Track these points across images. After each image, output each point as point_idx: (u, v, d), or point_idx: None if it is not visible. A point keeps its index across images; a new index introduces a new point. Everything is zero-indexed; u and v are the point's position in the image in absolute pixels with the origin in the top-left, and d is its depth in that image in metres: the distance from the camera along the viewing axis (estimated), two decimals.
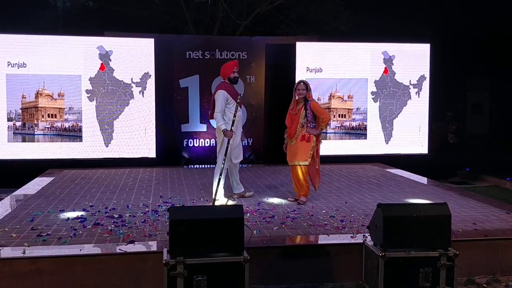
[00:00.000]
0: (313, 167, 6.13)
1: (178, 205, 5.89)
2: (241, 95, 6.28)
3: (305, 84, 6.05)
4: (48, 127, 8.92)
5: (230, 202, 6.15)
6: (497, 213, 5.68)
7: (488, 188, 8.95)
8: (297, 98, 6.06)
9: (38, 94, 8.83)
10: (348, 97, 9.86)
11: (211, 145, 9.56)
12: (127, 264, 4.13)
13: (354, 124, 9.93)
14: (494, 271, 4.56)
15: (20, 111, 8.81)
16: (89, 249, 4.31)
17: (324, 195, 6.64)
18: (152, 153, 9.28)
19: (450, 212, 3.88)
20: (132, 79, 9.16)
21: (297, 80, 6.65)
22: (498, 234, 4.80)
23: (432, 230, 3.81)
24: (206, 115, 9.52)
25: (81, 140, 9.03)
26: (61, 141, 8.98)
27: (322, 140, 6.31)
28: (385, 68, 9.94)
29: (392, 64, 9.96)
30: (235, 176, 6.44)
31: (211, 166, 9.15)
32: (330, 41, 9.98)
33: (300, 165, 6.04)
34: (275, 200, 6.29)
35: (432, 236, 3.80)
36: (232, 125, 5.99)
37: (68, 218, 5.31)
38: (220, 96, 6.07)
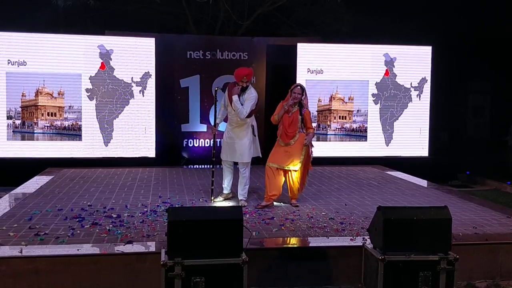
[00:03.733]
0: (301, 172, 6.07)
1: (177, 206, 5.87)
2: (218, 87, 6.34)
3: (302, 88, 5.95)
4: (47, 126, 8.89)
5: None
6: (497, 217, 5.66)
7: (489, 192, 8.92)
8: (292, 101, 5.89)
9: (38, 93, 8.80)
10: (349, 99, 9.84)
11: (211, 145, 9.52)
12: (124, 264, 4.11)
13: (354, 126, 9.90)
14: (494, 276, 4.53)
15: (19, 109, 8.77)
16: (86, 249, 4.30)
17: (324, 197, 6.62)
18: (151, 153, 9.25)
19: (451, 215, 3.86)
20: (132, 78, 9.13)
21: (288, 81, 6.49)
22: (499, 238, 4.78)
23: (432, 233, 3.78)
24: (206, 115, 9.51)
25: (80, 139, 9.00)
26: (61, 140, 8.95)
27: (314, 144, 6.25)
28: (386, 70, 9.92)
29: (393, 66, 9.94)
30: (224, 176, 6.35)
31: (211, 166, 9.13)
32: (332, 43, 9.97)
33: (296, 170, 5.97)
34: (275, 202, 6.25)
35: (432, 240, 3.78)
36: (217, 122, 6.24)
37: (66, 217, 5.29)
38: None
